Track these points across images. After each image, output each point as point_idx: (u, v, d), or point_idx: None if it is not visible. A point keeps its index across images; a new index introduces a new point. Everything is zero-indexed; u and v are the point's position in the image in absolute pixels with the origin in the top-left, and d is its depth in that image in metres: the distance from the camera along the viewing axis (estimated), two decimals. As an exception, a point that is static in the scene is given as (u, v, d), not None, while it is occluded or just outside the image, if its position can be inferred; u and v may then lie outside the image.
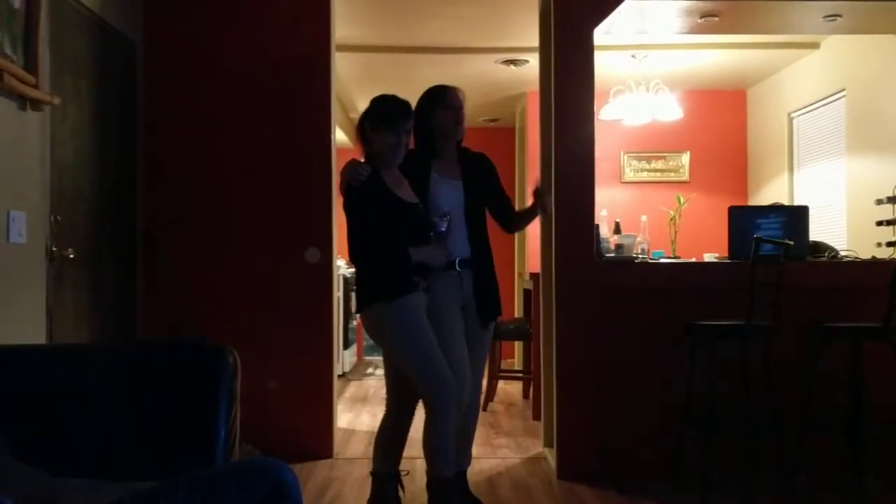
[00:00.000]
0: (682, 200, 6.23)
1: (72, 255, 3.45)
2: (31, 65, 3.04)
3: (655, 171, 7.39)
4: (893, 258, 4.18)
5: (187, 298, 4.37)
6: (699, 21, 4.54)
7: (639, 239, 4.79)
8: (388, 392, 3.34)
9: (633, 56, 6.14)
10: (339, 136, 6.85)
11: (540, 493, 3.81)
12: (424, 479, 3.19)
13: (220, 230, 4.42)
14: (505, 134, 8.59)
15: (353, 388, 6.94)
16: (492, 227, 3.48)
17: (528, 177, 7.30)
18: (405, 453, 3.34)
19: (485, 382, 5.83)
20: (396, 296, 3.06)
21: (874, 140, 5.31)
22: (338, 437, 4.61)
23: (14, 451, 2.00)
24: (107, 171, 3.94)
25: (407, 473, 3.35)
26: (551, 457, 4.24)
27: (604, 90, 5.81)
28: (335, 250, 4.51)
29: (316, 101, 4.45)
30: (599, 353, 4.06)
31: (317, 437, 4.41)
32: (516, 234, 8.13)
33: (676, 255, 5.75)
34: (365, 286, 3.18)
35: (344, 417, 5.50)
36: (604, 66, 5.11)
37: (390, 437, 3.29)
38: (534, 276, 5.24)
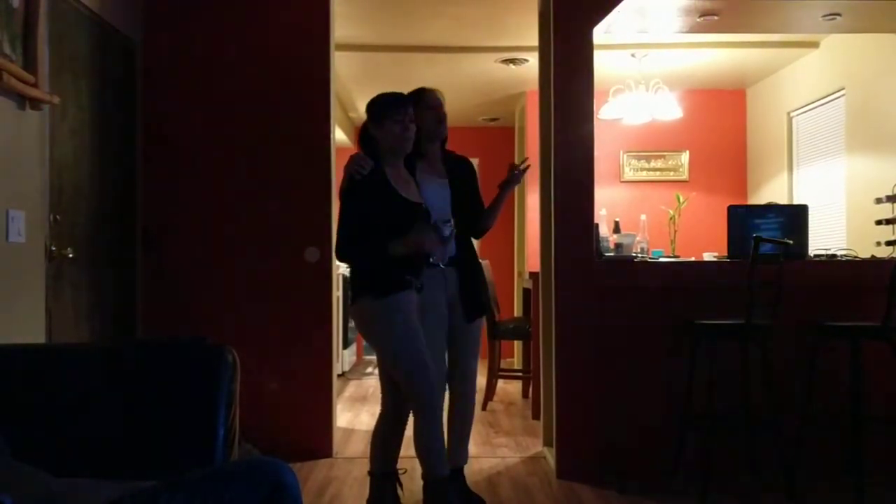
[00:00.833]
0: (681, 200, 6.24)
1: (71, 255, 3.45)
2: (30, 64, 3.04)
3: (655, 170, 7.39)
4: (893, 257, 4.18)
5: (186, 298, 4.37)
6: (698, 20, 4.53)
7: (638, 238, 4.79)
8: (384, 391, 3.34)
9: (633, 55, 6.14)
10: (339, 136, 6.85)
11: (539, 492, 3.81)
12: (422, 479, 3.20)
13: (220, 229, 4.42)
14: (504, 133, 8.59)
15: (352, 388, 6.95)
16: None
17: (527, 176, 7.28)
18: (403, 452, 3.35)
19: (484, 382, 5.86)
20: (386, 293, 3.06)
21: (873, 139, 5.32)
22: (337, 437, 4.61)
23: (14, 450, 2.00)
24: (106, 170, 3.94)
25: (405, 472, 3.35)
26: (551, 456, 4.24)
27: (603, 89, 5.81)
28: (334, 251, 4.51)
29: (315, 100, 4.45)
30: (599, 352, 4.06)
31: (316, 437, 4.41)
32: (516, 234, 8.15)
33: (676, 254, 5.76)
34: (356, 280, 3.19)
35: (343, 417, 5.50)
36: (603, 65, 5.11)
37: (387, 436, 3.29)
38: (533, 275, 5.24)
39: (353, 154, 3.19)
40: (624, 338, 4.08)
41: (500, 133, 8.62)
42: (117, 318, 4.07)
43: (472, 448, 3.55)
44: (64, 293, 3.45)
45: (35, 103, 3.13)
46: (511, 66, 6.50)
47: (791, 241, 3.80)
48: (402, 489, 3.33)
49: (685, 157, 7.38)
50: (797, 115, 6.49)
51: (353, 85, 7.00)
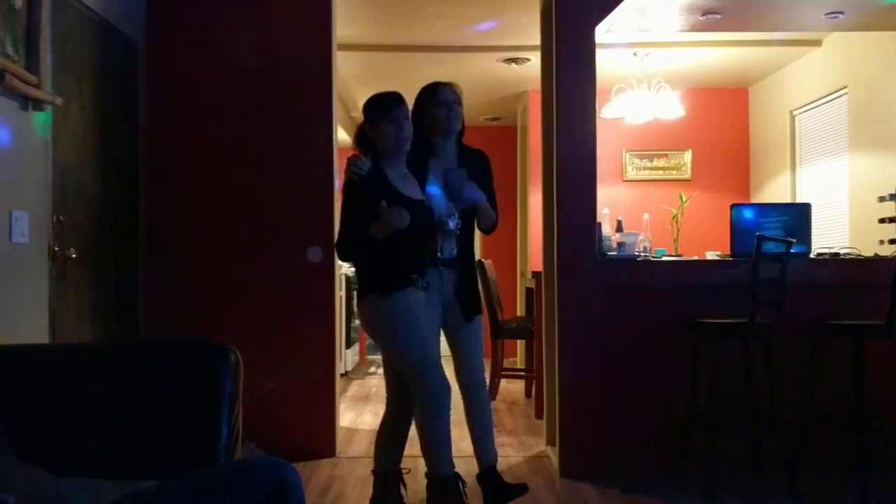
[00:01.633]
0: (684, 198, 6.24)
1: (74, 255, 3.46)
2: (32, 65, 3.04)
3: (657, 169, 7.38)
4: (896, 255, 4.17)
5: (189, 298, 4.37)
6: (700, 19, 4.53)
7: (641, 237, 4.78)
8: (388, 390, 3.34)
9: (635, 54, 6.14)
10: (341, 135, 6.85)
11: (543, 491, 3.81)
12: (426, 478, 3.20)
13: (222, 230, 4.42)
14: (506, 132, 8.59)
15: (355, 387, 6.95)
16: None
17: (529, 175, 7.30)
18: (406, 451, 3.34)
19: (487, 381, 5.85)
20: (390, 290, 3.06)
21: (876, 137, 5.31)
22: (340, 436, 4.62)
23: (17, 450, 2.01)
24: (109, 170, 3.95)
25: (408, 471, 3.35)
26: (554, 455, 4.24)
27: (605, 88, 5.80)
28: (336, 249, 4.51)
29: (318, 100, 4.45)
30: (602, 351, 4.06)
31: (319, 436, 4.42)
32: (518, 233, 8.15)
33: (678, 253, 5.76)
34: (362, 279, 3.19)
35: (346, 416, 5.51)
36: (605, 64, 5.10)
37: (391, 435, 3.29)
38: (536, 274, 5.24)
39: (350, 156, 3.19)
40: (627, 337, 4.07)
41: (503, 132, 8.62)
42: (120, 319, 4.07)
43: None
44: (67, 293, 3.45)
45: (38, 104, 3.13)
46: (513, 65, 6.50)
47: (794, 240, 3.80)
48: (405, 488, 3.33)
49: (688, 156, 7.37)
50: (800, 113, 6.48)
51: (355, 85, 7.01)
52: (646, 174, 7.38)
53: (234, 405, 2.17)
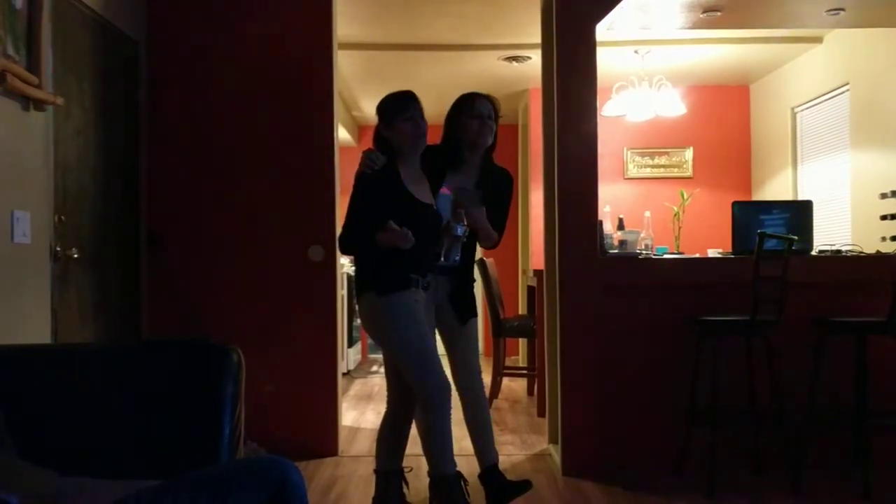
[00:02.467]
0: (685, 196, 6.23)
1: (76, 255, 3.46)
2: (33, 65, 3.04)
3: (659, 166, 7.38)
4: (898, 252, 4.17)
5: (191, 297, 4.38)
6: (701, 16, 4.53)
7: (642, 235, 4.78)
8: (389, 389, 3.34)
9: (636, 52, 6.13)
10: (342, 135, 6.86)
11: (545, 489, 3.81)
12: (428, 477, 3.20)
13: (224, 229, 4.42)
14: (508, 131, 8.52)
15: (357, 386, 6.95)
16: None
17: (531, 173, 7.30)
18: (408, 450, 3.34)
19: (489, 379, 5.85)
20: (391, 289, 3.06)
21: (878, 134, 5.30)
22: (342, 435, 4.62)
23: (20, 450, 2.01)
24: (110, 170, 3.95)
25: (410, 470, 3.35)
26: (556, 453, 4.24)
27: (606, 86, 5.80)
28: (338, 248, 4.51)
29: (319, 99, 4.45)
30: (603, 349, 4.06)
31: (322, 435, 4.42)
32: (520, 231, 8.15)
33: (680, 250, 5.75)
34: (361, 276, 3.18)
35: (349, 415, 5.51)
36: (606, 62, 5.10)
37: (392, 434, 3.29)
38: (537, 272, 5.24)
39: (367, 150, 3.18)
40: (629, 334, 4.07)
41: (504, 131, 8.43)
42: (122, 319, 4.07)
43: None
44: (69, 293, 3.46)
45: (39, 104, 3.13)
46: (514, 63, 6.49)
47: (795, 237, 3.80)
48: (407, 487, 3.33)
49: (689, 154, 7.36)
50: (801, 110, 6.47)
51: (356, 84, 7.01)
52: (647, 172, 7.38)
53: (237, 404, 2.18)
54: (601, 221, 4.18)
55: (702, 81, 7.17)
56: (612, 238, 4.47)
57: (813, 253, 4.19)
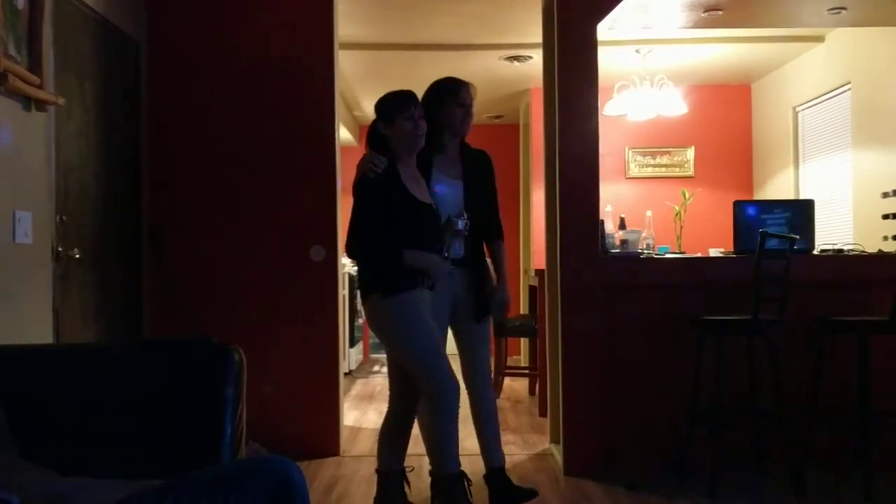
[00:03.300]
0: (687, 195, 6.22)
1: (78, 255, 3.46)
2: (35, 65, 3.04)
3: (660, 166, 7.38)
4: (900, 252, 4.17)
5: (193, 297, 4.38)
6: (703, 15, 4.52)
7: (644, 234, 4.78)
8: (391, 388, 3.33)
9: (637, 51, 6.13)
10: (343, 135, 6.86)
11: (547, 489, 3.80)
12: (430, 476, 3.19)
13: (226, 229, 4.43)
14: (509, 130, 8.58)
15: (359, 386, 6.95)
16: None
17: (532, 173, 7.30)
18: (410, 450, 3.34)
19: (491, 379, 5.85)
20: (395, 290, 3.06)
21: (880, 133, 5.29)
22: (344, 435, 4.62)
23: (22, 450, 2.01)
24: (112, 170, 3.95)
25: (412, 470, 3.35)
26: (558, 453, 4.24)
27: (608, 85, 5.79)
28: (340, 248, 4.52)
29: (320, 99, 4.45)
30: (605, 349, 4.06)
31: (323, 435, 4.42)
32: (521, 231, 8.15)
33: (682, 250, 5.75)
34: (365, 276, 3.18)
35: (350, 415, 5.51)
36: (608, 61, 5.10)
37: (394, 434, 3.29)
38: (539, 272, 5.24)
39: (367, 153, 3.17)
40: (630, 334, 4.07)
41: (505, 130, 8.62)
42: (124, 318, 4.08)
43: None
44: (71, 293, 3.46)
45: (40, 104, 3.13)
46: (515, 63, 6.49)
47: (797, 236, 3.79)
48: (409, 487, 3.32)
49: (690, 153, 7.36)
50: (803, 109, 6.46)
51: (357, 84, 7.01)
52: (649, 171, 7.37)
53: (238, 404, 2.18)
54: (603, 221, 4.18)
55: (703, 81, 7.16)
56: (613, 237, 4.47)
57: (814, 252, 4.18)
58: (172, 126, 4.42)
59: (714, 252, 4.61)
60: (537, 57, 5.63)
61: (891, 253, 4.18)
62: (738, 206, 4.25)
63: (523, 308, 7.82)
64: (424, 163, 3.28)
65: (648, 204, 6.32)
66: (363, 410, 5.78)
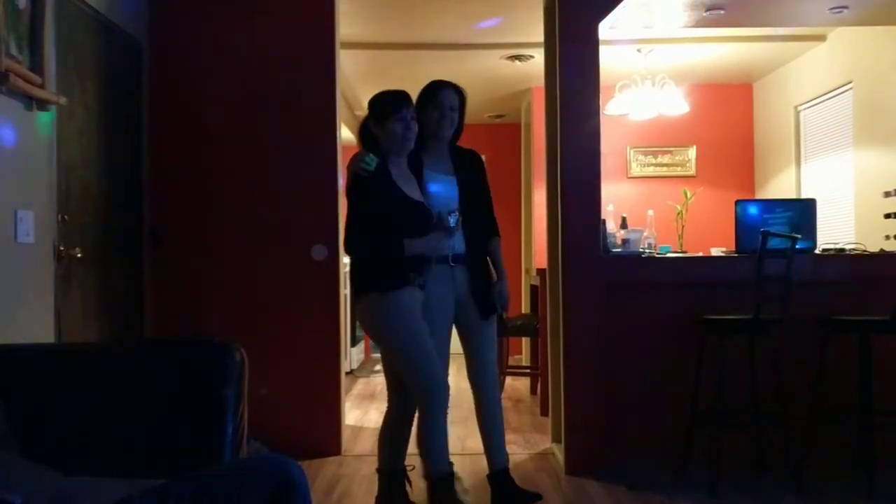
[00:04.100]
0: (688, 195, 6.22)
1: (79, 255, 3.46)
2: (36, 65, 3.05)
3: (662, 165, 7.37)
4: (902, 251, 4.16)
5: (194, 297, 4.38)
6: (704, 14, 4.52)
7: (646, 234, 4.78)
8: (390, 388, 3.33)
9: (639, 50, 6.12)
10: (345, 134, 6.84)
11: (548, 488, 3.80)
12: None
13: (227, 228, 4.43)
14: (511, 130, 8.58)
15: (360, 385, 6.95)
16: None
17: (533, 172, 7.29)
18: (411, 449, 3.33)
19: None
20: (389, 289, 3.05)
21: (882, 132, 5.29)
22: (346, 434, 4.62)
23: (23, 449, 2.01)
24: (113, 170, 3.95)
25: (413, 469, 3.35)
26: (559, 452, 4.24)
27: (609, 85, 5.79)
28: (341, 247, 4.51)
29: (321, 98, 4.45)
30: (607, 348, 4.05)
31: (325, 435, 4.42)
32: (523, 230, 8.15)
33: (683, 249, 5.74)
34: (358, 276, 3.18)
35: (352, 414, 5.51)
36: (609, 60, 5.09)
37: (394, 433, 3.29)
38: (540, 271, 5.23)
39: (357, 152, 3.18)
40: (632, 333, 4.07)
41: (507, 130, 8.61)
42: (126, 318, 4.08)
43: (481, 446, 3.49)
44: (72, 293, 3.46)
45: (42, 104, 3.14)
46: (517, 62, 6.49)
47: (799, 236, 3.79)
48: (410, 486, 3.32)
49: (692, 153, 7.36)
50: (804, 109, 6.46)
51: (359, 83, 7.00)
52: (650, 171, 7.37)
53: (240, 404, 2.18)
54: (604, 220, 4.18)
55: (705, 80, 7.16)
56: (615, 237, 4.47)
57: (816, 251, 4.18)
58: (174, 125, 4.42)
59: (716, 251, 4.60)
60: (539, 56, 5.63)
61: (892, 252, 4.18)
62: (740, 205, 4.25)
63: (525, 307, 7.81)
64: (415, 161, 3.29)
65: (650, 203, 6.32)
66: (365, 410, 5.78)
